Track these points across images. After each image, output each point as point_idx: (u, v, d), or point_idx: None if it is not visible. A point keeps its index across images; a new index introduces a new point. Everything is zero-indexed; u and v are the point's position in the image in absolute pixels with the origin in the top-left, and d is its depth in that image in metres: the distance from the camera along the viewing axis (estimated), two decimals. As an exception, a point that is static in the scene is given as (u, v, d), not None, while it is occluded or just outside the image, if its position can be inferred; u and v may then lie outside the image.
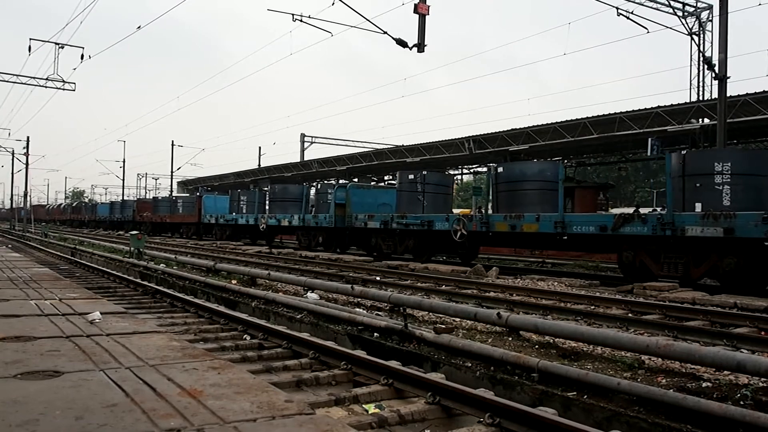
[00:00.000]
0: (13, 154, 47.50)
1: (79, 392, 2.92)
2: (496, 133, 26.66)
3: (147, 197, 68.46)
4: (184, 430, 2.42)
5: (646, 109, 20.93)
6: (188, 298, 10.10)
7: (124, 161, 62.23)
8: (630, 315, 8.89)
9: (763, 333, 7.63)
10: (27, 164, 44.18)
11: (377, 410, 4.47)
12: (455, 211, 21.82)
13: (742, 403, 4.49)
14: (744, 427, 3.83)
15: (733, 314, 8.80)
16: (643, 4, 19.84)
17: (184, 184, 62.85)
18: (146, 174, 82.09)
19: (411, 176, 20.37)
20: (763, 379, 4.86)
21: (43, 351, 3.79)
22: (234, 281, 12.35)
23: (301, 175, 40.99)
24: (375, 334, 6.97)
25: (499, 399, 4.38)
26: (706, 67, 20.84)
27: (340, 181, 32.20)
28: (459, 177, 38.91)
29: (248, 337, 7.19)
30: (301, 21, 17.00)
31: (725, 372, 5.24)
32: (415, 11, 13.92)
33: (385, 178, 39.63)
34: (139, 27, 20.97)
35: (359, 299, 9.83)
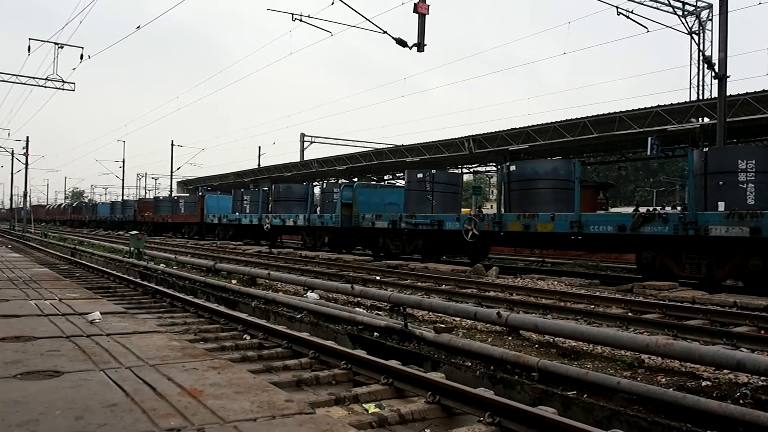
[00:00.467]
0: (12, 154, 47.54)
1: (79, 392, 2.92)
2: (495, 132, 26.66)
3: (148, 197, 68.44)
4: (185, 429, 2.42)
5: (645, 108, 20.94)
6: (188, 298, 10.10)
7: (123, 161, 62.36)
8: (630, 314, 8.89)
9: (762, 332, 7.63)
10: (26, 164, 44.26)
11: (377, 410, 4.48)
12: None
13: (741, 401, 4.49)
14: (744, 426, 3.83)
15: (733, 313, 8.81)
16: (643, 4, 19.84)
17: (183, 184, 62.86)
18: (146, 174, 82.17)
19: (420, 175, 19.93)
20: (762, 378, 4.86)
21: (43, 351, 3.79)
22: (234, 281, 12.35)
23: (300, 175, 41.01)
24: (375, 333, 6.98)
25: (499, 398, 4.38)
26: (706, 66, 20.83)
27: (342, 181, 32.20)
28: (459, 176, 38.81)
29: (248, 337, 7.19)
30: (300, 21, 17.00)
31: (725, 371, 5.24)
32: (415, 11, 13.92)
33: (385, 177, 39.65)
34: (138, 27, 20.91)
35: (359, 299, 9.83)
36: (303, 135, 45.65)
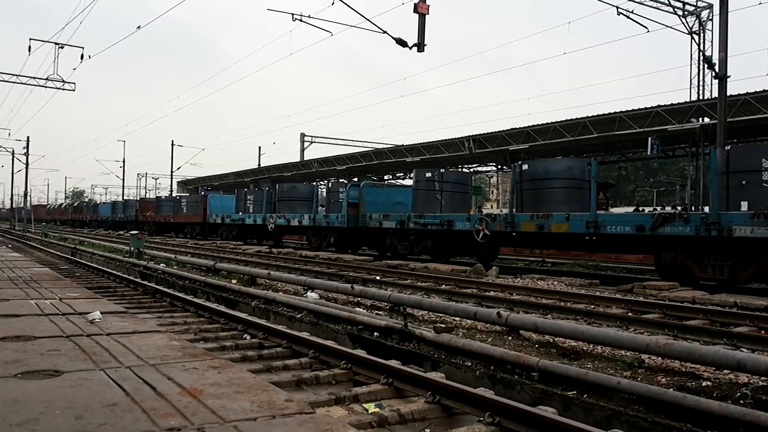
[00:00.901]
0: (13, 154, 47.57)
1: (79, 392, 2.92)
2: (495, 132, 26.67)
3: (149, 197, 68.39)
4: (185, 429, 2.42)
5: (646, 108, 20.94)
6: (188, 298, 10.10)
7: (123, 161, 62.43)
8: (630, 314, 8.88)
9: (763, 332, 7.62)
10: (27, 164, 44.30)
11: (377, 409, 4.48)
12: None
13: (742, 402, 4.49)
14: (744, 426, 3.83)
15: (733, 313, 8.80)
16: (643, 3, 19.84)
17: (184, 184, 62.89)
18: (146, 174, 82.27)
19: (428, 174, 19.57)
20: (763, 378, 4.86)
21: (43, 350, 3.79)
22: (234, 281, 12.35)
23: (300, 175, 41.01)
24: (375, 333, 6.97)
25: (499, 398, 4.38)
26: (706, 66, 20.82)
27: (342, 180, 32.18)
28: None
29: (248, 337, 7.19)
30: (300, 21, 17.01)
31: (725, 371, 5.23)
32: (415, 11, 13.91)
33: (385, 177, 39.66)
34: (138, 27, 20.97)
35: (359, 299, 9.83)
36: (303, 135, 45.69)
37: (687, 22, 21.03)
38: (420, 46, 14.12)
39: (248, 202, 30.87)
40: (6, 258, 12.55)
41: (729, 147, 13.23)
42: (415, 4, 13.88)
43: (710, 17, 23.99)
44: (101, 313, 5.22)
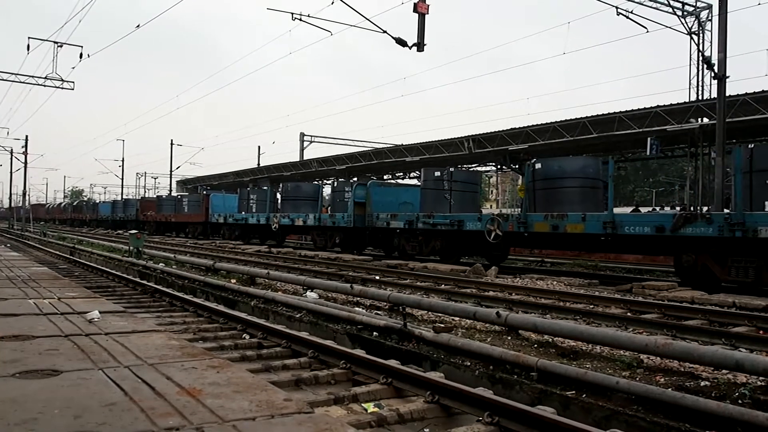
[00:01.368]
0: (11, 152, 47.55)
1: (77, 391, 2.92)
2: (495, 132, 26.63)
3: (149, 196, 68.34)
4: (183, 428, 2.42)
5: (645, 108, 20.93)
6: (187, 297, 10.09)
7: (123, 160, 62.27)
8: (629, 314, 8.90)
9: (761, 332, 7.63)
10: (25, 163, 44.24)
11: (376, 409, 4.48)
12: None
13: (740, 401, 4.50)
14: (742, 426, 3.83)
15: (732, 313, 8.82)
16: (642, 4, 19.88)
17: (183, 183, 62.80)
18: (145, 173, 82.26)
19: (437, 173, 19.16)
20: (761, 378, 4.87)
21: (42, 350, 3.79)
22: (233, 280, 12.35)
23: (300, 175, 40.97)
24: (374, 333, 6.98)
25: (498, 398, 4.38)
26: (705, 66, 20.81)
27: (339, 179, 32.14)
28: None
29: (247, 336, 7.19)
30: (300, 20, 16.99)
31: (723, 371, 5.24)
32: (415, 10, 13.90)
33: (385, 177, 39.64)
34: (138, 26, 20.94)
35: (358, 298, 9.83)
36: (302, 134, 45.65)
37: (686, 23, 21.04)
38: (420, 45, 14.11)
39: (251, 201, 30.67)
40: (4, 257, 12.54)
41: (753, 145, 12.62)
42: (414, 3, 13.87)
43: (709, 17, 24.04)
44: (100, 312, 5.22)
